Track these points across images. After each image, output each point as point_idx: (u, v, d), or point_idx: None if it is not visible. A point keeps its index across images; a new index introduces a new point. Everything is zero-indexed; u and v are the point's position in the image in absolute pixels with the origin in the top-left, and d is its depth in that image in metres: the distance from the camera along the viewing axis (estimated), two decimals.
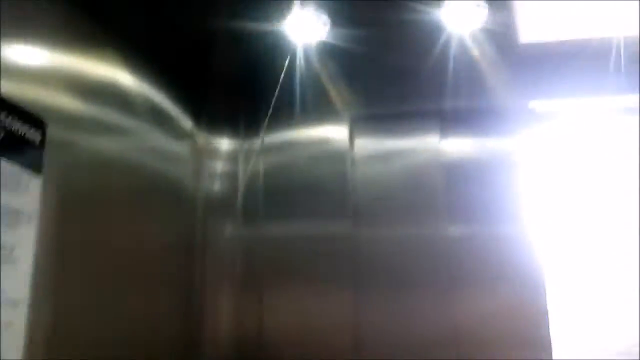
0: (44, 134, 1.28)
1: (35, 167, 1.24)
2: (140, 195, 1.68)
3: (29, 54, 1.29)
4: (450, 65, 1.93)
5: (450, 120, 2.04)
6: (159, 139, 1.80)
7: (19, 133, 1.20)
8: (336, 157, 2.08)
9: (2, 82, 1.17)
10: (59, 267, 1.29)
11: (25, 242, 1.18)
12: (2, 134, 1.15)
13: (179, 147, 1.94)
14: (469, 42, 1.92)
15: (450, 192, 2.01)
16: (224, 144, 2.15)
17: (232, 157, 2.14)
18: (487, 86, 1.97)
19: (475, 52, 1.91)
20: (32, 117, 1.26)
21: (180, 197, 1.92)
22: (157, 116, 1.79)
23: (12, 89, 1.20)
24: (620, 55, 1.81)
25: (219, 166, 2.13)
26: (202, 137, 2.07)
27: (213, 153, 2.12)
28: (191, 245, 1.96)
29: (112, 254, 1.49)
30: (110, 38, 1.58)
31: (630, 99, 1.92)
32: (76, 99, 1.42)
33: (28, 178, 1.21)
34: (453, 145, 2.07)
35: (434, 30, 1.89)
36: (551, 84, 1.97)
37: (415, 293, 1.97)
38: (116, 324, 1.49)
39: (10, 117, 1.19)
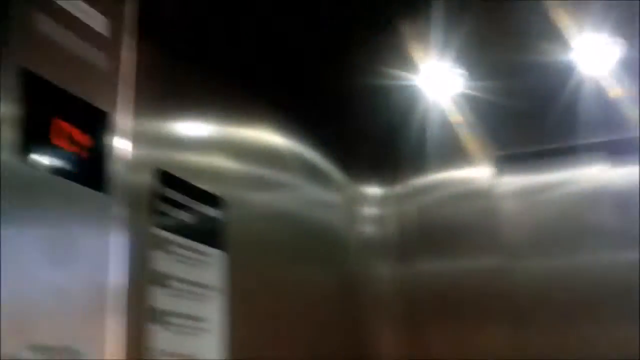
0: (222, 211, 1.48)
1: (218, 242, 1.44)
2: (301, 243, 1.90)
3: (196, 128, 1.52)
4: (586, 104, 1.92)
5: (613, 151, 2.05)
6: (313, 192, 2.03)
7: (203, 213, 1.41)
8: (482, 195, 2.16)
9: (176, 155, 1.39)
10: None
11: (215, 312, 1.37)
12: (189, 218, 1.36)
13: (332, 197, 2.15)
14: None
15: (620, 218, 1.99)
16: (373, 190, 2.34)
17: (382, 202, 2.32)
18: None
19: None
20: (213, 197, 1.46)
21: (336, 243, 2.12)
22: (310, 171, 2.03)
23: (186, 159, 1.42)
24: None
25: (370, 211, 2.31)
26: (352, 187, 2.28)
27: (364, 200, 2.31)
28: (350, 286, 2.14)
29: (281, 299, 1.71)
30: (265, 109, 1.84)
31: None
32: (240, 162, 1.68)
33: (212, 253, 1.41)
34: (616, 173, 2.06)
35: (567, 70, 1.89)
36: None
37: (582, 325, 1.97)
38: None
39: (193, 200, 1.40)
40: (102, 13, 1.21)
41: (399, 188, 2.31)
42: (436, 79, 1.95)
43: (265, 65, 1.79)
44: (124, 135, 1.21)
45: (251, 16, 1.61)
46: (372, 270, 2.23)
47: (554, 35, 1.72)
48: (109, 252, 1.08)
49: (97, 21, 1.20)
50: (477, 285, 2.08)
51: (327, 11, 1.65)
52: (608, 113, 1.94)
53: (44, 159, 0.99)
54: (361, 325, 2.16)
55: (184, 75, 1.51)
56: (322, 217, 2.04)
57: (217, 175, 1.55)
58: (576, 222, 2.04)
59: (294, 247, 1.84)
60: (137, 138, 1.26)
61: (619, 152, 2.04)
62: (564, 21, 1.68)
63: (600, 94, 1.91)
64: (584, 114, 1.95)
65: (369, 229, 2.29)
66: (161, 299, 1.25)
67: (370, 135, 2.24)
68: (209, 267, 1.41)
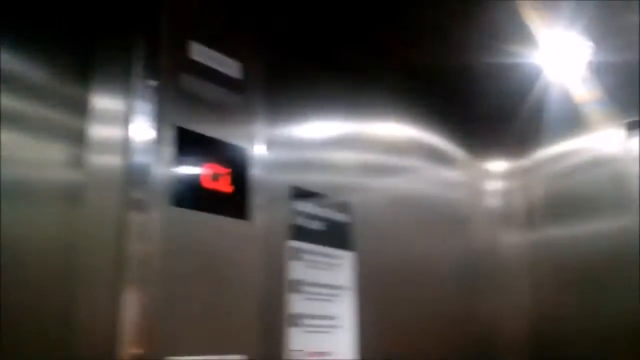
0: (350, 214, 1.65)
1: (348, 244, 1.61)
2: (426, 223, 2.03)
3: (324, 132, 1.71)
4: None
5: None
6: (438, 173, 2.15)
7: (332, 220, 1.58)
8: (614, 159, 2.17)
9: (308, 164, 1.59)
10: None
11: (346, 310, 1.55)
12: (320, 226, 1.53)
13: (456, 175, 2.25)
14: None
15: None
16: (498, 165, 2.41)
17: (508, 175, 2.39)
18: None
19: None
20: (341, 204, 1.63)
21: (462, 219, 2.23)
22: (434, 154, 2.15)
23: (316, 163, 1.62)
24: None
25: (497, 186, 2.39)
26: (477, 163, 2.36)
27: (489, 175, 2.40)
28: (481, 256, 2.26)
29: (409, 284, 1.87)
30: (387, 100, 1.96)
31: None
32: (367, 154, 1.84)
33: (342, 255, 1.59)
34: None
35: None
36: None
37: None
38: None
39: (323, 209, 1.57)
40: (236, 59, 1.38)
41: (524, 161, 2.36)
42: (559, 51, 1.93)
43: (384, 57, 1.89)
44: (260, 163, 1.39)
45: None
46: (501, 239, 2.33)
47: None
48: (253, 269, 1.29)
49: (232, 68, 1.38)
50: (605, 248, 2.10)
51: None
52: None
53: (197, 202, 1.20)
54: (487, 291, 2.26)
55: (309, 89, 1.66)
56: (447, 195, 2.15)
57: (345, 170, 1.71)
58: None
59: (419, 229, 1.97)
60: (272, 164, 1.45)
61: None
62: None
63: None
64: None
65: (496, 203, 2.36)
66: (297, 304, 1.44)
67: (492, 113, 2.28)
68: (339, 268, 1.58)
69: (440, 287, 2.03)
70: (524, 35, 1.84)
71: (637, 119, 2.13)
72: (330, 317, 1.53)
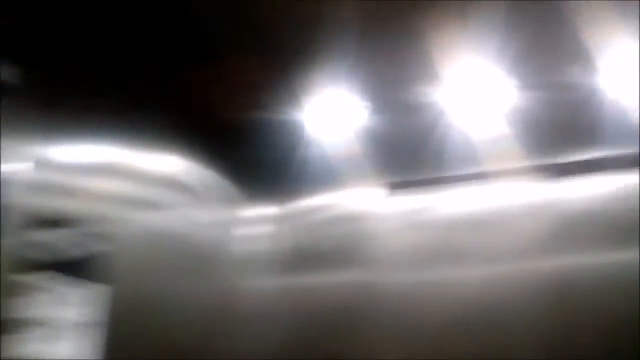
0: (104, 246, 1.54)
1: (96, 277, 1.49)
2: (191, 257, 2.07)
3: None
4: None
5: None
6: (197, 212, 2.20)
7: (83, 250, 1.44)
8: (363, 216, 2.38)
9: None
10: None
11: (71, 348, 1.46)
12: (64, 256, 1.38)
13: (213, 217, 2.31)
14: None
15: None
16: (259, 210, 2.50)
17: (271, 220, 2.47)
18: None
19: None
20: (95, 233, 1.50)
21: (223, 256, 2.29)
22: (196, 194, 2.18)
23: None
24: None
25: (253, 230, 2.46)
26: (234, 208, 2.43)
27: (249, 219, 2.47)
28: (225, 297, 2.28)
29: (164, 319, 1.90)
30: (169, 137, 1.98)
31: None
32: (134, 185, 1.85)
33: (88, 288, 1.50)
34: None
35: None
36: None
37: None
38: None
39: (62, 238, 1.43)
40: None
41: (281, 209, 2.47)
42: (326, 112, 2.12)
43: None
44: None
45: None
46: (253, 283, 2.36)
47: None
48: None
49: None
50: (339, 301, 2.24)
51: None
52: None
53: None
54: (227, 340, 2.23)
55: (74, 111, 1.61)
56: (210, 232, 2.22)
57: (104, 200, 1.68)
58: (444, 242, 2.24)
59: (178, 266, 2.00)
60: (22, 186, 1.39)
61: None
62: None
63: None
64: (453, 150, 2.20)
65: (249, 247, 2.41)
66: (15, 344, 1.32)
67: (266, 162, 2.38)
68: (81, 303, 1.43)
69: (188, 326, 2.03)
70: (293, 93, 2.02)
71: (400, 179, 2.33)
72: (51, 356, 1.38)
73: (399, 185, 2.39)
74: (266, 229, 2.48)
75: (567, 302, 2.07)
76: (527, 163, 2.26)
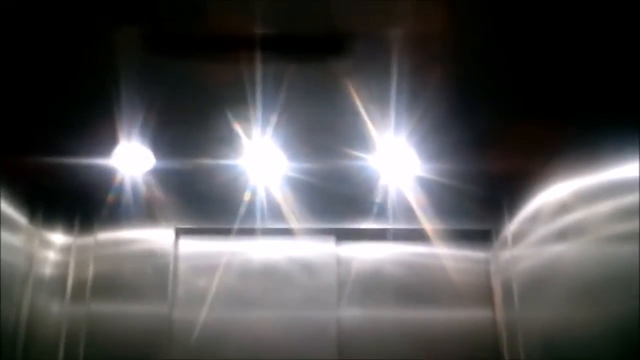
0: None
1: None
2: None
3: None
4: None
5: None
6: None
7: None
8: (158, 254, 2.55)
9: None
10: None
11: None
12: None
13: (16, 241, 2.36)
14: None
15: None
16: (59, 238, 2.58)
17: (65, 249, 2.57)
18: None
19: None
20: None
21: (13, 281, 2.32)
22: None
23: None
24: None
25: (54, 257, 2.55)
26: (39, 233, 2.51)
27: (49, 246, 2.55)
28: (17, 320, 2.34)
29: None
30: None
31: None
32: None
33: None
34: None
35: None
36: None
37: None
38: None
39: None
40: None
41: (85, 239, 2.57)
42: (129, 158, 2.22)
43: None
44: None
45: None
46: (42, 307, 2.45)
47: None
48: None
49: None
50: (139, 328, 2.43)
51: None
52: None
53: None
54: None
55: None
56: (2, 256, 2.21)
57: None
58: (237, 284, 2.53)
59: None
60: None
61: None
62: None
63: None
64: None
65: (51, 273, 2.50)
66: None
67: (64, 195, 2.51)
68: None
69: None
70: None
71: (185, 226, 2.58)
72: None
73: (194, 231, 2.60)
74: (65, 257, 2.55)
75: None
76: (311, 225, 2.57)
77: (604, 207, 1.69)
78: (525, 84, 1.77)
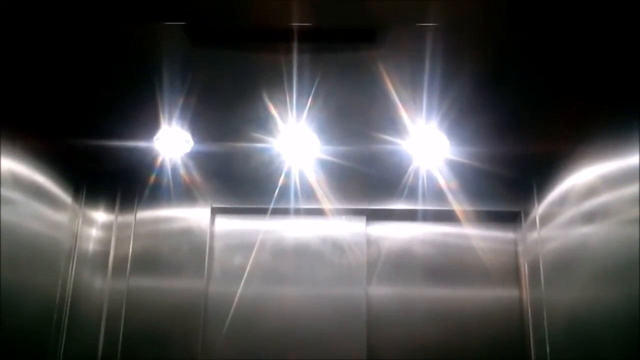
0: None
1: None
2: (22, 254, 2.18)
3: None
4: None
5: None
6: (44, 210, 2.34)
7: None
8: (197, 232, 2.63)
9: None
10: None
11: None
12: None
13: (61, 217, 2.46)
14: None
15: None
16: (101, 216, 2.69)
17: (107, 226, 2.67)
18: None
19: None
20: None
21: (59, 255, 2.44)
22: (43, 194, 2.33)
23: None
24: None
25: (95, 233, 2.65)
26: (84, 211, 2.63)
27: (90, 222, 2.65)
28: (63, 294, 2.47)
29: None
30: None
31: None
32: None
33: None
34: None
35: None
36: None
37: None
38: None
39: None
40: None
41: (126, 218, 2.67)
42: (169, 141, 2.30)
43: None
44: None
45: None
46: (90, 283, 2.56)
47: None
48: None
49: None
50: (173, 306, 2.53)
51: None
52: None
53: None
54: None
55: None
56: (47, 232, 2.35)
57: None
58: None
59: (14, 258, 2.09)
60: None
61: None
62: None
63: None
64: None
65: (92, 248, 2.62)
66: None
67: (105, 174, 2.64)
68: None
69: (21, 317, 2.18)
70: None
71: (221, 205, 2.65)
72: None
73: (230, 210, 2.68)
74: (107, 234, 2.65)
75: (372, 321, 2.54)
76: (343, 206, 2.65)
77: (630, 190, 1.73)
78: (555, 69, 1.79)
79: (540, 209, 2.46)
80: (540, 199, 2.46)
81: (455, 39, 1.68)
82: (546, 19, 1.58)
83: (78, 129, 2.24)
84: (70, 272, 2.50)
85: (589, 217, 2.00)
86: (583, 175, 2.07)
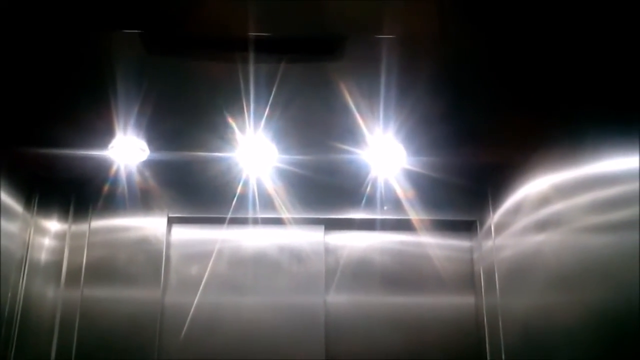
0: None
1: None
2: None
3: None
4: None
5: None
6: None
7: None
8: (154, 241, 2.61)
9: None
10: None
11: None
12: None
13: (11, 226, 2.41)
14: None
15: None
16: (54, 225, 2.64)
17: (60, 236, 2.62)
18: None
19: None
20: None
21: (9, 266, 2.39)
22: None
23: None
24: None
25: (47, 242, 2.61)
26: (36, 220, 2.58)
27: (43, 232, 2.61)
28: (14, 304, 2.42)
29: None
30: None
31: None
32: None
33: None
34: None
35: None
36: None
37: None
38: None
39: None
40: None
41: (79, 227, 2.63)
42: (124, 150, 2.27)
43: None
44: None
45: None
46: (42, 293, 2.52)
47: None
48: None
49: None
50: (127, 315, 2.50)
51: None
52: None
53: None
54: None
55: None
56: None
57: None
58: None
59: None
60: None
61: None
62: None
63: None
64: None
65: (44, 258, 2.57)
66: None
67: (59, 183, 2.59)
68: None
69: None
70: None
71: (178, 215, 2.64)
72: None
73: (187, 219, 2.67)
74: (60, 244, 2.60)
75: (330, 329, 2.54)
76: (301, 215, 2.65)
77: (582, 199, 1.77)
78: (509, 79, 1.83)
79: (495, 217, 2.50)
80: (495, 207, 2.50)
81: (412, 50, 1.70)
82: (501, 30, 1.61)
83: (30, 137, 2.20)
84: (21, 282, 2.44)
85: (543, 226, 2.04)
86: (536, 185, 2.11)
